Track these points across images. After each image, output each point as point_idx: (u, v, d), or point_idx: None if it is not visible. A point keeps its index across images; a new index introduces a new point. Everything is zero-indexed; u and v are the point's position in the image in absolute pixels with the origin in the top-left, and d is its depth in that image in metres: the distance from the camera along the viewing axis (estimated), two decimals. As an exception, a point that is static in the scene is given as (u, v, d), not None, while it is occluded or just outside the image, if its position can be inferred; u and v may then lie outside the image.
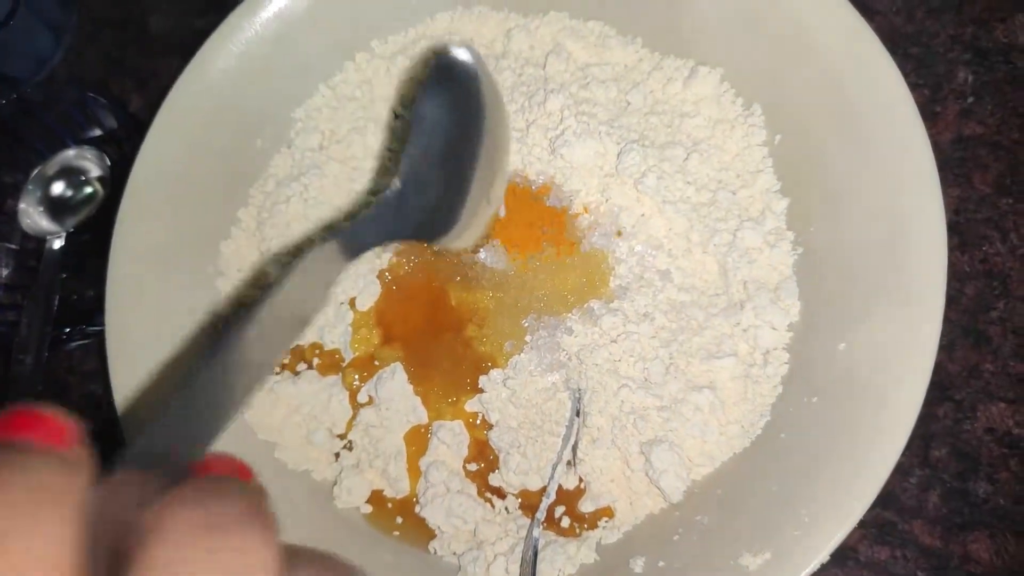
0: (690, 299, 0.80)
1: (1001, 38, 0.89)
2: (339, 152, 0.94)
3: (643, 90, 0.88)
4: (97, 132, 1.08)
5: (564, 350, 0.79)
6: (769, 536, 0.67)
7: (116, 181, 1.02)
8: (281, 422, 0.86)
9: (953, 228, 0.83)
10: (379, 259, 0.88)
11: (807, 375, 0.75)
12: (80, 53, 1.21)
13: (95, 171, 1.07)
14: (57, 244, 1.03)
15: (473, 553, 0.76)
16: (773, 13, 0.82)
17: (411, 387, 0.82)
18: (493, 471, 0.79)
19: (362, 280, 0.86)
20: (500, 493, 0.79)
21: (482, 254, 0.84)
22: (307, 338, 0.88)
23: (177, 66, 0.94)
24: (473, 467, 0.80)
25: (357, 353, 0.85)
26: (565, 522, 0.77)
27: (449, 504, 0.78)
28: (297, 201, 0.92)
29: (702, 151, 0.84)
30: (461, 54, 0.58)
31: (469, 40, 0.96)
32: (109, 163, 1.06)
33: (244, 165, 0.97)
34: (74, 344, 1.05)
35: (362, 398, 0.84)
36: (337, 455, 0.85)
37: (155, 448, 0.35)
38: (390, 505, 0.82)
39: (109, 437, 1.01)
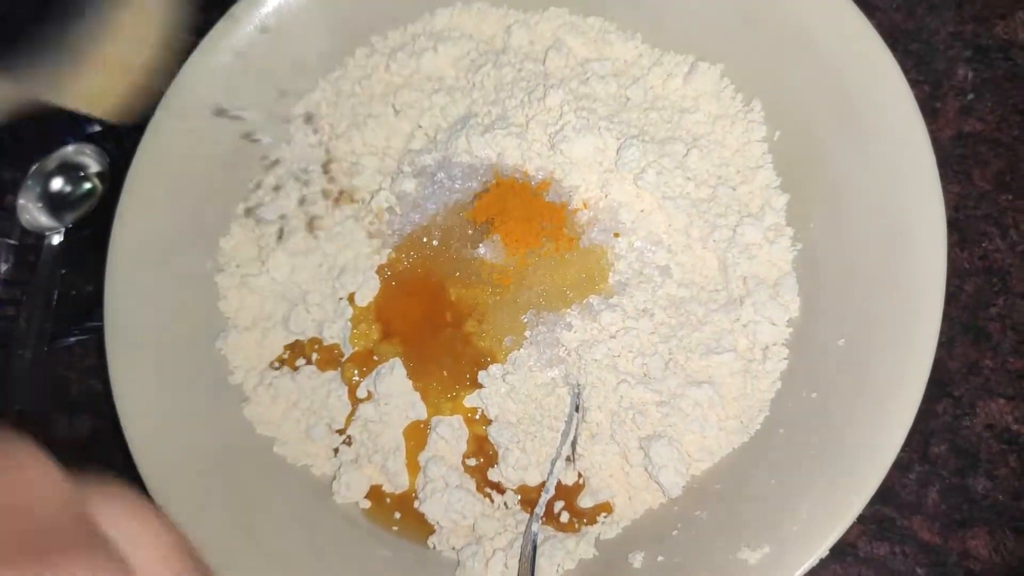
0: (689, 295, 0.80)
1: (1001, 35, 0.89)
2: (338, 147, 0.94)
3: (643, 86, 0.88)
4: (96, 128, 1.08)
5: (563, 346, 0.79)
6: (768, 531, 0.67)
7: (115, 177, 1.02)
8: (280, 417, 0.86)
9: (953, 224, 0.83)
10: (378, 255, 0.88)
11: (806, 371, 0.75)
12: (80, 49, 1.21)
13: (94, 167, 1.07)
14: (56, 240, 1.03)
15: (472, 548, 0.76)
16: (773, 9, 0.82)
17: (410, 382, 0.82)
18: (492, 466, 0.79)
19: (361, 275, 0.87)
20: (499, 488, 0.79)
21: (481, 249, 0.84)
22: (306, 333, 0.88)
23: (177, 61, 0.94)
24: (472, 462, 0.80)
25: (356, 348, 0.85)
26: (564, 517, 0.77)
27: (448, 499, 0.78)
28: (297, 196, 0.92)
29: (702, 147, 0.84)
30: None
31: (468, 36, 0.95)
32: (108, 159, 1.06)
33: (243, 161, 0.97)
34: (73, 339, 1.05)
35: (361, 393, 0.84)
36: (336, 450, 0.85)
37: None
38: (389, 500, 0.82)
39: (109, 433, 1.02)
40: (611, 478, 0.77)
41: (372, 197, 0.90)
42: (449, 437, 0.80)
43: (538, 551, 0.74)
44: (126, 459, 0.81)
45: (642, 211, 0.82)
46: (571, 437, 0.76)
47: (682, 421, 0.74)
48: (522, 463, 0.77)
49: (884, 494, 0.76)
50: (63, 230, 1.03)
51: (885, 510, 0.78)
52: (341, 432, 0.85)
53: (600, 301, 0.80)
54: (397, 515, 0.81)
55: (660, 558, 0.71)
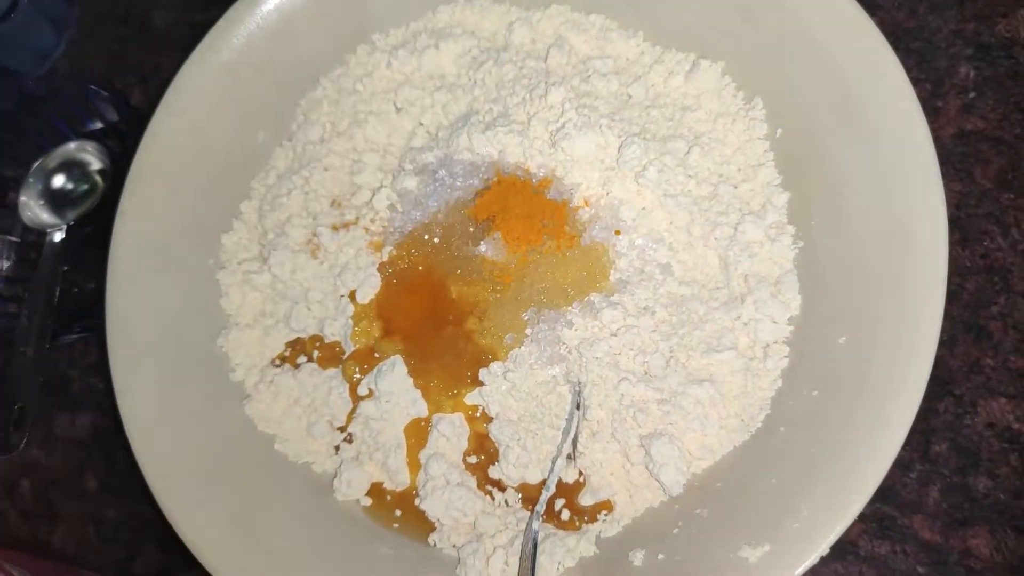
0: (691, 293, 0.79)
1: (1003, 33, 0.89)
2: (340, 145, 0.94)
3: (644, 83, 0.88)
4: (98, 125, 1.08)
5: (564, 343, 0.79)
6: (769, 529, 0.67)
7: (117, 174, 1.02)
8: (281, 415, 0.86)
9: (954, 223, 0.82)
10: (380, 252, 0.88)
11: (807, 369, 0.75)
12: (81, 47, 1.21)
13: (96, 164, 1.07)
14: (58, 237, 1.03)
15: (473, 546, 0.76)
16: (775, 7, 0.82)
17: (411, 380, 0.82)
18: (493, 464, 0.79)
19: (362, 273, 0.86)
20: (500, 486, 0.79)
21: (483, 247, 0.84)
22: (308, 331, 0.88)
23: (178, 60, 0.94)
24: (473, 460, 0.80)
25: (357, 346, 0.85)
26: (565, 515, 0.77)
27: (449, 497, 0.78)
28: (298, 194, 0.92)
29: (703, 145, 0.84)
30: None
31: (470, 33, 0.95)
32: (110, 156, 1.06)
33: (245, 158, 0.97)
34: (75, 337, 1.05)
35: (362, 391, 0.84)
36: (337, 448, 0.85)
37: None
38: (390, 498, 0.82)
39: (110, 430, 1.02)
40: (612, 476, 0.77)
41: (374, 195, 0.89)
42: (450, 435, 0.80)
43: (539, 549, 0.74)
44: (127, 456, 0.81)
45: (643, 209, 0.82)
46: (572, 435, 0.76)
47: (683, 419, 0.74)
48: (523, 461, 0.77)
49: (885, 493, 0.76)
50: (65, 227, 1.03)
51: (886, 509, 0.78)
52: (342, 429, 0.85)
53: (601, 299, 0.80)
54: (398, 513, 0.81)
55: (661, 556, 0.71)
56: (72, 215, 1.04)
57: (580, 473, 0.78)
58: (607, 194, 0.84)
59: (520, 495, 0.79)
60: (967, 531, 0.77)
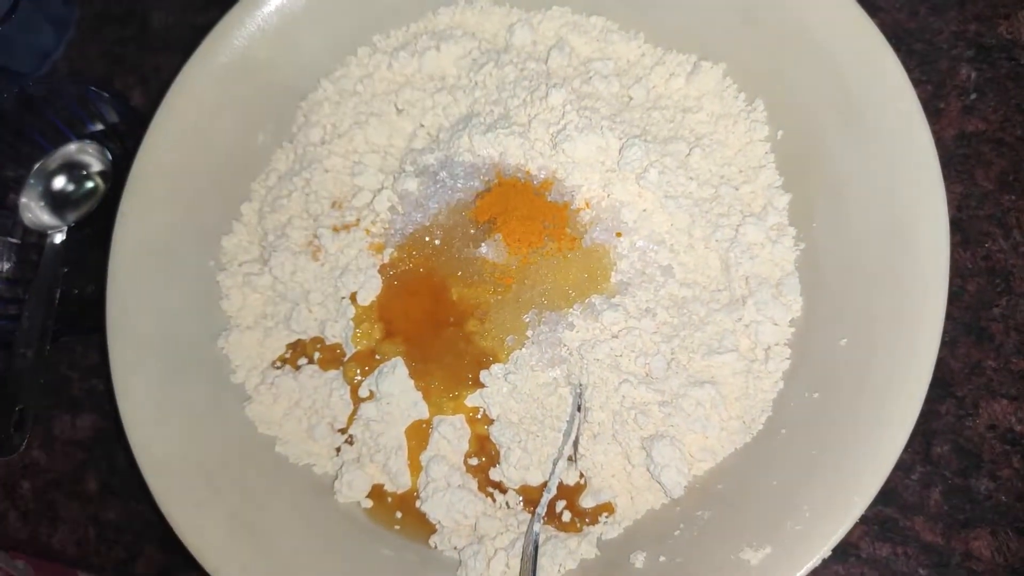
0: (692, 294, 0.79)
1: (1004, 35, 0.89)
2: (341, 146, 0.94)
3: (645, 85, 0.88)
4: (99, 127, 1.08)
5: (565, 345, 0.79)
6: (770, 531, 0.67)
7: (117, 176, 1.02)
8: (282, 416, 0.86)
9: (955, 225, 0.83)
10: (380, 254, 0.88)
11: (809, 371, 0.75)
12: (82, 48, 1.21)
13: (96, 166, 1.07)
14: (58, 238, 1.03)
15: (474, 548, 0.76)
16: (776, 8, 0.82)
17: (412, 382, 0.82)
18: (494, 466, 0.79)
19: (363, 275, 0.86)
20: (501, 488, 0.79)
21: (484, 248, 0.84)
22: (308, 332, 0.88)
23: (179, 61, 0.94)
24: (474, 462, 0.80)
25: (358, 348, 0.85)
26: (566, 517, 0.77)
27: (450, 499, 0.77)
28: (299, 195, 0.92)
29: (704, 146, 0.84)
30: None
31: (471, 34, 0.95)
32: (111, 158, 1.06)
33: (246, 160, 0.97)
34: (75, 338, 1.05)
35: (363, 393, 0.84)
36: (338, 449, 0.85)
37: None
38: (391, 500, 0.82)
39: (111, 432, 1.02)
40: (613, 478, 0.77)
41: (374, 196, 0.89)
42: (451, 436, 0.80)
43: (540, 551, 0.74)
44: (128, 458, 0.81)
45: (644, 211, 0.82)
46: (573, 437, 0.76)
47: (684, 421, 0.74)
48: (524, 463, 0.77)
49: (886, 495, 0.76)
50: (65, 229, 1.03)
51: (887, 511, 0.78)
52: (343, 431, 0.85)
53: (602, 301, 0.79)
54: (399, 515, 0.81)
55: (662, 558, 0.71)
56: (72, 217, 1.04)
57: (581, 475, 0.78)
58: (608, 196, 0.84)
59: (521, 497, 0.79)
60: (969, 533, 0.77)
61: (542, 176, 0.85)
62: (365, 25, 0.98)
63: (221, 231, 0.94)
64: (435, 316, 0.84)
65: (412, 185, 0.88)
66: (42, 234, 1.03)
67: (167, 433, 0.82)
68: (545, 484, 0.77)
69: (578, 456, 0.77)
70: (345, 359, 0.86)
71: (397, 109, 0.95)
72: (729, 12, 0.85)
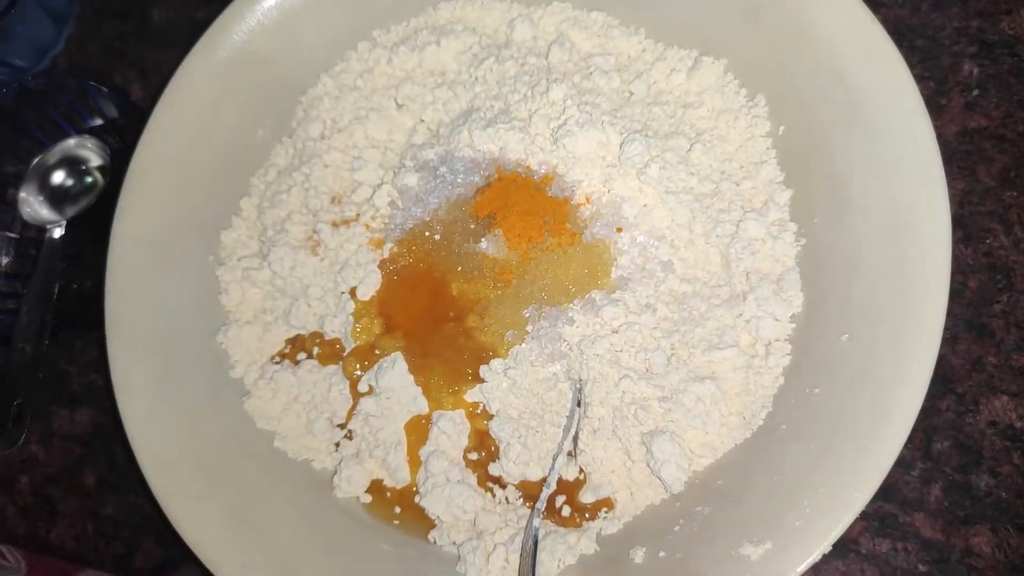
0: (692, 290, 0.79)
1: (1007, 31, 0.88)
2: (341, 141, 0.93)
3: (646, 80, 0.88)
4: (98, 121, 1.08)
5: (565, 340, 0.79)
6: (770, 527, 0.67)
7: (117, 170, 1.02)
8: (281, 411, 0.86)
9: (957, 221, 0.83)
10: (380, 249, 0.88)
11: (809, 366, 0.74)
12: (82, 42, 1.20)
13: (96, 160, 1.07)
14: (57, 233, 1.02)
15: (473, 543, 0.76)
16: (778, 4, 0.81)
17: (412, 377, 0.82)
18: (494, 461, 0.79)
19: (363, 269, 0.86)
20: (501, 483, 0.79)
21: (484, 244, 0.83)
22: (307, 327, 0.88)
23: (179, 56, 0.94)
24: (474, 457, 0.80)
25: (358, 342, 0.85)
26: (565, 512, 0.77)
27: (449, 494, 0.77)
28: (298, 190, 0.92)
29: (705, 142, 0.84)
30: None
31: (471, 29, 0.95)
32: (110, 152, 1.06)
33: (245, 154, 0.96)
34: (74, 333, 1.05)
35: (362, 388, 0.84)
36: (337, 445, 0.85)
37: None
38: (390, 495, 0.82)
39: (110, 427, 1.02)
40: (613, 474, 0.77)
41: (374, 192, 0.89)
42: (450, 432, 0.80)
43: (539, 546, 0.73)
44: (126, 453, 0.81)
45: (645, 206, 0.82)
46: (573, 432, 0.76)
47: (684, 417, 0.74)
48: (523, 458, 0.77)
49: (887, 491, 0.76)
50: (64, 224, 1.03)
51: (888, 507, 0.78)
52: (342, 426, 0.84)
53: (602, 296, 0.79)
54: (398, 509, 0.81)
55: (662, 554, 0.71)
56: (71, 211, 1.04)
57: (581, 470, 0.78)
58: (608, 191, 0.83)
59: (521, 492, 0.79)
60: (969, 529, 0.77)
61: (542, 171, 0.85)
62: (365, 20, 0.97)
63: (220, 226, 0.94)
64: (435, 311, 0.84)
65: (412, 180, 0.88)
66: (41, 229, 1.03)
67: (166, 428, 0.82)
68: (545, 479, 0.77)
69: (578, 451, 0.77)
70: (345, 354, 0.86)
71: (397, 104, 0.95)
72: (731, 7, 0.85)
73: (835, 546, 0.65)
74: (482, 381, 0.80)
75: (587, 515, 0.77)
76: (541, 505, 0.75)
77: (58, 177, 1.06)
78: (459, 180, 0.87)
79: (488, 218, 0.84)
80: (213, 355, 0.88)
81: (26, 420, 0.93)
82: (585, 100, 0.86)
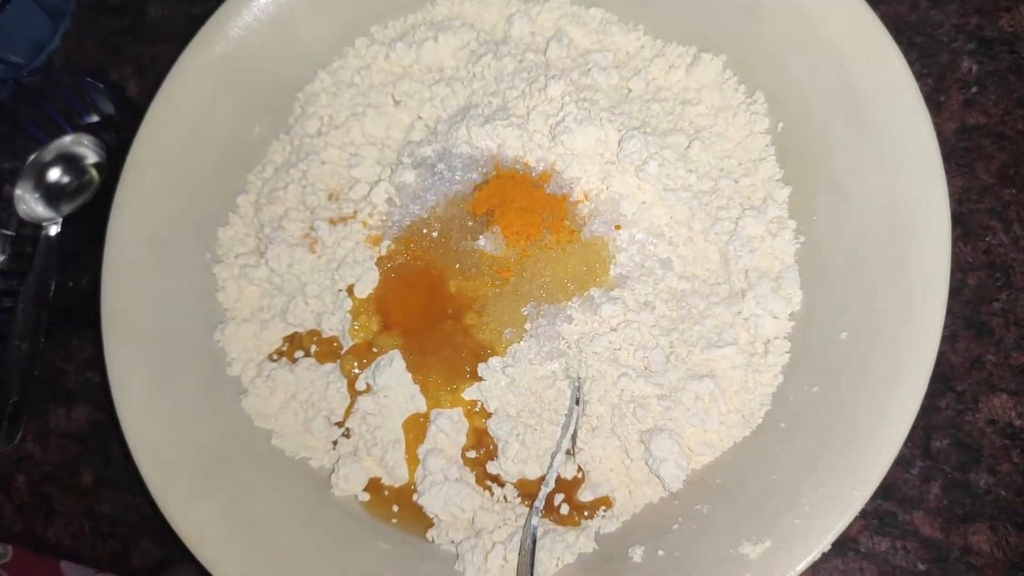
0: (691, 288, 0.79)
1: (1006, 28, 0.88)
2: (338, 138, 0.93)
3: (645, 77, 0.88)
4: (95, 118, 1.07)
5: (564, 338, 0.79)
6: (769, 525, 0.67)
7: (113, 167, 1.02)
8: (278, 409, 0.85)
9: (956, 218, 0.82)
10: (378, 246, 0.87)
11: (808, 364, 0.74)
12: (78, 39, 1.20)
13: (92, 157, 1.07)
14: (53, 230, 1.02)
15: (471, 541, 0.75)
16: (777, 0, 0.81)
17: (410, 375, 0.82)
18: (492, 459, 0.79)
19: (360, 267, 0.86)
20: (499, 481, 0.79)
21: (482, 241, 0.83)
22: (305, 325, 0.88)
23: (175, 52, 0.93)
24: (472, 455, 0.80)
25: (356, 340, 0.85)
26: (564, 510, 0.77)
27: (447, 492, 0.77)
28: (295, 187, 0.92)
29: (704, 139, 0.83)
30: None
31: (469, 25, 0.95)
32: (106, 149, 1.06)
33: (242, 151, 0.96)
34: (70, 331, 1.04)
35: (360, 386, 0.83)
36: (335, 443, 0.84)
37: None
38: (387, 493, 0.82)
39: (106, 424, 1.01)
40: (611, 472, 0.77)
41: (372, 188, 0.89)
42: (448, 430, 0.80)
43: (538, 544, 0.73)
44: (123, 451, 0.81)
45: (643, 203, 0.82)
46: (571, 430, 0.76)
47: (683, 415, 0.74)
48: (522, 456, 0.77)
49: (886, 489, 0.76)
50: (60, 221, 1.02)
51: (887, 505, 0.78)
52: (340, 425, 0.84)
53: (601, 294, 0.79)
54: (396, 508, 0.81)
55: (660, 552, 0.71)
56: (67, 209, 1.04)
57: (579, 469, 0.78)
58: (607, 188, 0.83)
59: (519, 491, 0.79)
60: (968, 527, 0.76)
61: (540, 168, 0.85)
62: (362, 16, 0.97)
63: (217, 223, 0.93)
64: (433, 309, 0.83)
65: (409, 177, 0.88)
66: (37, 226, 1.03)
67: (163, 426, 0.82)
68: (543, 478, 0.76)
69: (576, 450, 0.77)
70: (342, 352, 0.85)
71: (395, 101, 0.94)
72: (730, 4, 0.84)
73: (834, 544, 0.65)
74: (480, 379, 0.80)
75: (586, 513, 0.77)
76: (539, 503, 0.74)
77: (54, 174, 1.06)
78: (457, 177, 0.86)
79: (486, 215, 0.84)
80: (210, 353, 0.88)
81: (22, 418, 0.93)
82: (583, 97, 0.85)
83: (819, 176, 0.79)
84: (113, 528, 0.98)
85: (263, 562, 0.76)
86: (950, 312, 0.68)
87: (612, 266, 0.81)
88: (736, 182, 0.82)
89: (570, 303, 0.80)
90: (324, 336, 0.87)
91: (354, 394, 0.83)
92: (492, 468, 0.79)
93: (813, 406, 0.71)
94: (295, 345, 0.88)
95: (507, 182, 0.84)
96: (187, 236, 0.91)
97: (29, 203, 1.04)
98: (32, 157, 1.06)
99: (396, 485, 0.82)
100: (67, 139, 1.07)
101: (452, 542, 0.77)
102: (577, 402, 0.76)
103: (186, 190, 0.92)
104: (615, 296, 0.78)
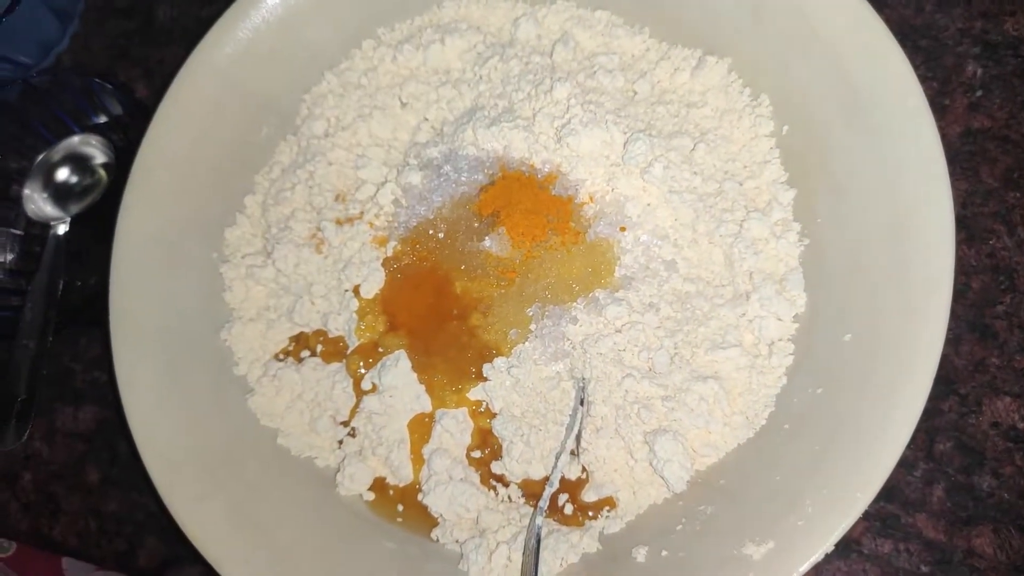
0: (695, 289, 0.79)
1: (1011, 32, 0.88)
2: (345, 139, 0.93)
3: (650, 80, 0.88)
4: (103, 119, 1.08)
5: (569, 339, 0.79)
6: (773, 526, 0.67)
7: (121, 168, 1.02)
8: (284, 409, 0.86)
9: (960, 222, 0.82)
10: (384, 247, 0.88)
11: (812, 366, 0.74)
12: (86, 40, 1.21)
13: (100, 158, 1.07)
14: (61, 230, 1.03)
15: (476, 541, 0.76)
16: (782, 4, 0.81)
17: (415, 375, 0.82)
18: (496, 459, 0.79)
19: (367, 267, 0.86)
20: (503, 481, 0.79)
21: (487, 242, 0.84)
22: (311, 325, 0.88)
23: (183, 53, 0.94)
24: (476, 455, 0.80)
25: (361, 340, 0.85)
26: (568, 511, 0.77)
27: (452, 492, 0.77)
28: (302, 188, 0.92)
29: (709, 141, 0.84)
30: None
31: (476, 28, 0.95)
32: (114, 149, 1.06)
33: (249, 152, 0.96)
34: (78, 330, 1.05)
35: (366, 385, 0.84)
36: (340, 442, 0.85)
37: None
38: (392, 492, 0.82)
39: (113, 423, 1.02)
40: (615, 472, 0.77)
41: (378, 189, 0.89)
42: (453, 430, 0.80)
43: (542, 544, 0.73)
44: (129, 449, 0.81)
45: (648, 205, 0.82)
46: (576, 431, 0.76)
47: (687, 416, 0.74)
48: (526, 456, 0.77)
49: (889, 491, 0.76)
50: (68, 221, 1.03)
51: (890, 507, 0.78)
52: (345, 424, 0.84)
53: (606, 295, 0.79)
54: (401, 507, 0.81)
55: (664, 553, 0.71)
56: (76, 208, 1.04)
57: (583, 469, 0.78)
58: (612, 190, 0.84)
59: (523, 491, 0.79)
60: (971, 530, 0.77)
61: (546, 170, 0.85)
62: (370, 18, 0.97)
63: (224, 223, 0.94)
64: (438, 309, 0.84)
65: (416, 178, 0.88)
66: (45, 226, 1.03)
67: (169, 425, 0.82)
68: (547, 478, 0.77)
69: (580, 450, 0.77)
70: (348, 352, 0.86)
71: (401, 102, 0.95)
72: (734, 7, 0.85)
73: (837, 546, 0.65)
74: (485, 379, 0.80)
75: (590, 514, 0.77)
76: (544, 504, 0.75)
77: (63, 174, 1.07)
78: (463, 178, 0.87)
79: (492, 216, 0.84)
80: (217, 352, 0.88)
81: (30, 417, 0.94)
82: (589, 99, 0.86)
83: (824, 179, 0.79)
84: (119, 527, 0.99)
85: (268, 560, 0.76)
86: (954, 315, 0.68)
87: (617, 268, 0.81)
88: (741, 184, 0.82)
89: (575, 304, 0.80)
90: (330, 336, 0.87)
91: (360, 394, 0.84)
92: (497, 468, 0.79)
93: (817, 408, 0.72)
94: (301, 345, 0.88)
95: (513, 184, 0.85)
96: (194, 236, 0.92)
97: (37, 203, 1.05)
98: (40, 157, 1.06)
99: (401, 485, 0.82)
100: (75, 139, 1.08)
101: (456, 542, 0.78)
102: (582, 403, 0.77)
103: (194, 190, 0.93)
104: (620, 297, 0.79)
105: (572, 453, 0.77)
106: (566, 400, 0.78)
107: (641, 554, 0.72)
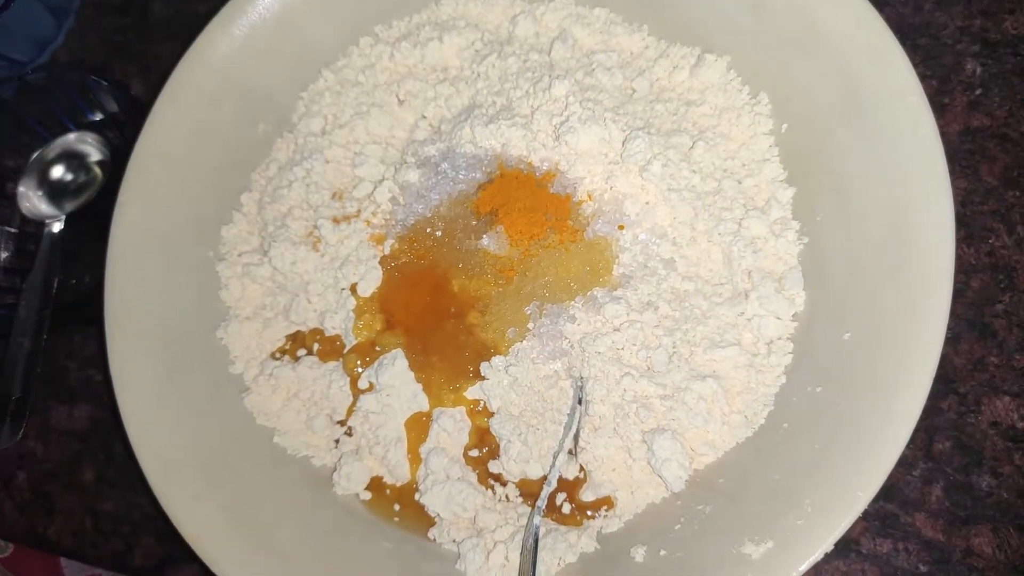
0: (694, 288, 0.79)
1: (1010, 30, 0.88)
2: (342, 137, 0.93)
3: (649, 77, 0.88)
4: (98, 116, 1.07)
5: (567, 338, 0.79)
6: (771, 526, 0.67)
7: (117, 165, 1.02)
8: (280, 408, 0.85)
9: (959, 220, 0.82)
10: (381, 245, 0.87)
11: (811, 365, 0.74)
12: (82, 37, 1.20)
13: (95, 155, 1.07)
14: (56, 228, 1.02)
15: (473, 540, 0.75)
16: (782, 1, 0.81)
17: (412, 373, 0.82)
18: (494, 458, 0.79)
19: (364, 266, 0.86)
20: (501, 480, 0.79)
21: (485, 240, 0.83)
22: (308, 324, 0.88)
23: (179, 50, 0.93)
24: (474, 454, 0.80)
25: (359, 339, 0.85)
26: (566, 510, 0.77)
27: (449, 491, 0.77)
28: (299, 186, 0.92)
29: (708, 139, 0.83)
30: None
31: (474, 25, 0.95)
32: (110, 147, 1.06)
33: (246, 149, 0.96)
34: (73, 328, 1.04)
35: (363, 384, 0.83)
36: (337, 441, 0.84)
37: None
38: (389, 492, 0.82)
39: (108, 423, 1.01)
40: (614, 472, 0.76)
41: (375, 187, 0.89)
42: (451, 429, 0.80)
43: (540, 544, 0.73)
44: (125, 449, 0.81)
45: (647, 203, 0.82)
46: (574, 430, 0.76)
47: (686, 415, 0.74)
48: (524, 456, 0.77)
49: (888, 491, 0.76)
50: (63, 218, 1.03)
51: (889, 507, 0.78)
52: (342, 423, 0.84)
53: (604, 293, 0.79)
54: (397, 507, 0.81)
55: (662, 552, 0.71)
56: (71, 206, 1.04)
57: (581, 468, 0.78)
58: (611, 188, 0.83)
59: (521, 490, 0.78)
60: (970, 530, 0.76)
61: (544, 168, 0.85)
62: (367, 15, 0.97)
63: (221, 221, 0.93)
64: (436, 308, 0.83)
65: (413, 176, 0.88)
66: (40, 224, 1.03)
67: (165, 424, 0.82)
68: (545, 477, 0.76)
69: (578, 449, 0.77)
70: (345, 350, 0.85)
71: (399, 100, 0.94)
72: (734, 5, 0.84)
73: (836, 546, 0.64)
74: (483, 378, 0.80)
75: (588, 513, 0.77)
76: (542, 503, 0.74)
77: (58, 172, 1.06)
78: (461, 176, 0.86)
79: (490, 215, 0.84)
80: (213, 351, 0.88)
81: (24, 415, 0.93)
82: (587, 97, 0.86)
83: (822, 177, 0.79)
84: (115, 526, 0.98)
85: (264, 560, 0.76)
86: (953, 314, 0.68)
87: (615, 266, 0.81)
88: (740, 183, 0.82)
89: (573, 303, 0.80)
90: (327, 335, 0.87)
91: (357, 393, 0.83)
92: (494, 467, 0.79)
93: (816, 407, 0.71)
94: (298, 343, 0.88)
95: (511, 182, 0.84)
96: (191, 234, 0.91)
97: (32, 200, 1.04)
98: (36, 154, 1.06)
99: (398, 484, 0.82)
100: (71, 137, 1.07)
101: (454, 541, 0.77)
102: (580, 402, 0.76)
103: (190, 188, 0.92)
104: (618, 296, 0.78)
105: (570, 452, 0.77)
106: (564, 399, 0.78)
107: (639, 554, 0.72)
